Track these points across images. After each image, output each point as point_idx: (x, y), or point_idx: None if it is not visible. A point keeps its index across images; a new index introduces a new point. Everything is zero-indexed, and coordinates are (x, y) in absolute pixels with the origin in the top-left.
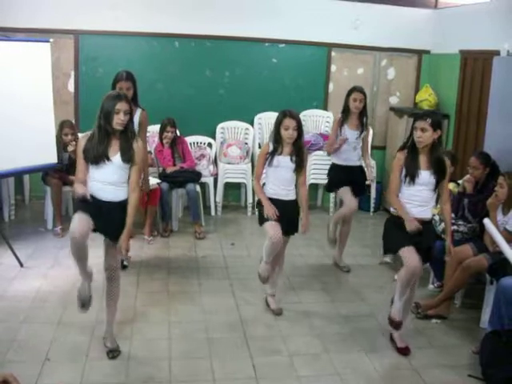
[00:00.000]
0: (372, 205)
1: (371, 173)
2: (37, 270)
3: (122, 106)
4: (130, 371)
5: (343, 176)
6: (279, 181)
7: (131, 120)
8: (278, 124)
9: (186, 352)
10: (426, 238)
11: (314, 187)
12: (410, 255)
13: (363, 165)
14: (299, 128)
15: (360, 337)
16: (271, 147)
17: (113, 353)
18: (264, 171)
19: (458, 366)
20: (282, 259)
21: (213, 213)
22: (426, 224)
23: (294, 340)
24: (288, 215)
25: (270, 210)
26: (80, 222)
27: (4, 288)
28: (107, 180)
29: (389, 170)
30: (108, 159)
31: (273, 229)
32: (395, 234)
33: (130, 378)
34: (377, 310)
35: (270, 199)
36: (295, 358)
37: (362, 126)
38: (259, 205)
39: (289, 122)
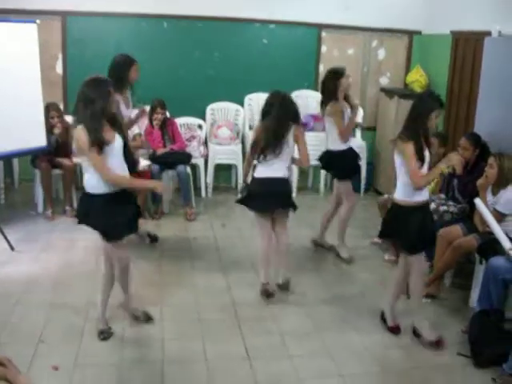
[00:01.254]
0: (362, 186)
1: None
2: (28, 254)
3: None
4: (123, 352)
5: (353, 162)
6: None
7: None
8: None
9: (179, 333)
10: (431, 220)
11: (304, 168)
12: (421, 260)
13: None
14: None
15: (350, 316)
16: None
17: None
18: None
19: (448, 344)
20: (285, 237)
21: (203, 194)
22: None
23: (285, 320)
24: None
25: None
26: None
27: None
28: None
29: (379, 151)
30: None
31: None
32: (415, 232)
33: (123, 359)
34: (367, 289)
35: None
36: (287, 337)
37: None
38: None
39: None
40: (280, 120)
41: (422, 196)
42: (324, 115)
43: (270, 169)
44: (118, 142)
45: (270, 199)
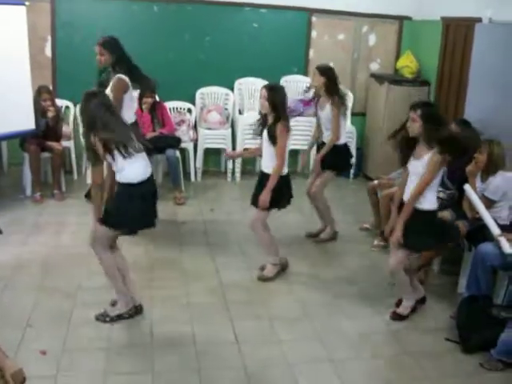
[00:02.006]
0: (352, 171)
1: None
2: (17, 237)
3: None
4: (112, 336)
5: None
6: (263, 153)
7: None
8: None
9: (167, 317)
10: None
11: (294, 153)
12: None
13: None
14: (272, 99)
15: (340, 301)
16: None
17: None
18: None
19: (436, 330)
20: (258, 233)
21: (193, 178)
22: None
23: (275, 305)
24: (261, 188)
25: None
26: None
27: None
28: None
29: (368, 136)
30: None
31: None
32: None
33: (112, 343)
34: (357, 275)
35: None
36: (275, 322)
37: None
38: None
39: (261, 91)
40: None
41: None
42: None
43: None
44: None
45: None
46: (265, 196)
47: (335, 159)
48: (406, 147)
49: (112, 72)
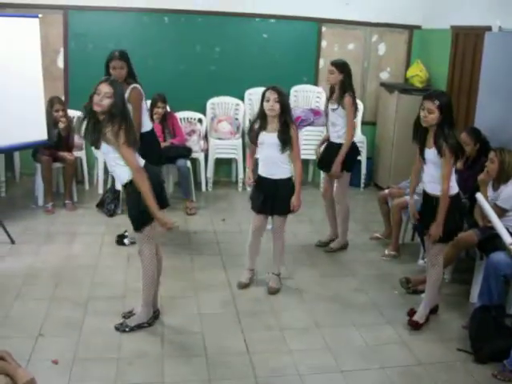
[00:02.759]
0: (362, 180)
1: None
2: (28, 247)
3: (102, 87)
4: (123, 345)
5: (328, 155)
6: (267, 159)
7: (117, 104)
8: (262, 98)
9: (179, 327)
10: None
11: (304, 163)
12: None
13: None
14: (282, 101)
15: (350, 311)
16: (256, 124)
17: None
18: None
19: (448, 340)
20: (281, 240)
21: (204, 189)
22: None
23: (285, 315)
24: (279, 195)
25: (246, 179)
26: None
27: None
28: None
29: (379, 145)
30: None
31: (254, 219)
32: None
33: (123, 352)
34: (367, 284)
35: (260, 177)
36: (286, 332)
37: (342, 100)
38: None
39: (269, 94)
40: None
41: None
42: (335, 105)
43: None
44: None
45: None
46: (298, 201)
47: (348, 159)
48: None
49: (124, 84)
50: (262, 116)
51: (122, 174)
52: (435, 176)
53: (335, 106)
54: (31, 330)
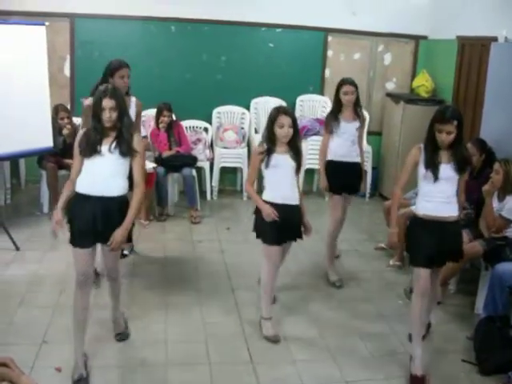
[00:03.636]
0: (368, 190)
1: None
2: (33, 254)
3: (106, 103)
4: (126, 354)
5: (339, 175)
6: (281, 183)
7: (123, 113)
8: (272, 121)
9: (182, 336)
10: (449, 241)
11: (310, 172)
12: (421, 276)
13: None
14: (295, 125)
15: (355, 321)
16: (265, 146)
17: (121, 336)
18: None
19: (453, 351)
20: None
21: (209, 197)
22: (451, 224)
23: (290, 324)
24: (294, 221)
25: (267, 211)
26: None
27: (0, 272)
28: (101, 173)
29: (384, 156)
30: (101, 150)
31: (274, 255)
32: (415, 244)
33: (126, 361)
34: (372, 294)
35: (272, 204)
36: (291, 342)
37: (359, 117)
38: (256, 212)
39: (284, 120)
40: None
41: None
42: (357, 123)
43: None
44: (111, 151)
45: None
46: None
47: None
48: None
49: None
50: (271, 140)
51: (122, 186)
52: (451, 195)
53: (358, 124)
54: (35, 337)
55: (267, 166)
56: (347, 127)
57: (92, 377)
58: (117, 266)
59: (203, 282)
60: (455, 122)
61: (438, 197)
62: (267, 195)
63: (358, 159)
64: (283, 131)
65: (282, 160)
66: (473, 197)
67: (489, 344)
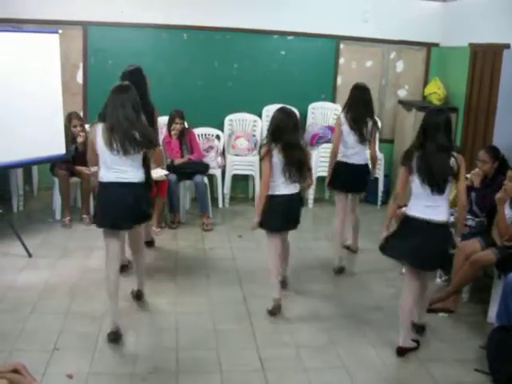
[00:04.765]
0: (380, 198)
1: (375, 167)
2: (45, 261)
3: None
4: (137, 361)
5: (345, 176)
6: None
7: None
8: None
9: (193, 343)
10: (434, 243)
11: (322, 180)
12: (408, 275)
13: (369, 163)
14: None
15: (367, 329)
16: (272, 145)
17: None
18: None
19: (465, 361)
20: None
21: (220, 205)
22: (439, 227)
23: (301, 332)
24: (296, 208)
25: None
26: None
27: (13, 278)
28: (130, 165)
29: (396, 163)
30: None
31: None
32: (397, 242)
33: (137, 368)
34: (384, 302)
35: (279, 196)
36: (302, 350)
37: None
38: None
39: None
40: None
41: None
42: (371, 127)
43: None
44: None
45: None
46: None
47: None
48: None
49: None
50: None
51: (140, 174)
52: (441, 199)
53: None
54: (47, 344)
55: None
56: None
57: None
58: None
59: (214, 289)
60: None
61: (428, 200)
62: (275, 189)
63: (364, 162)
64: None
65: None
66: (485, 204)
67: (502, 353)
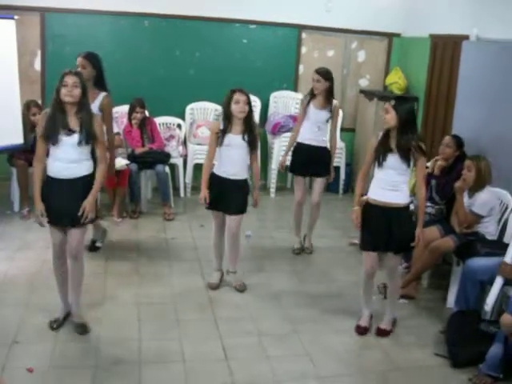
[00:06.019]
0: (341, 186)
1: (334, 156)
2: (4, 253)
3: (69, 78)
4: (99, 353)
5: (303, 157)
6: (231, 161)
7: (85, 96)
8: (228, 100)
9: (156, 333)
10: (398, 227)
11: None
12: (366, 258)
13: (328, 146)
14: (249, 104)
15: (329, 317)
16: (221, 125)
17: (82, 328)
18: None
19: (426, 345)
20: (237, 241)
21: (182, 194)
22: (400, 210)
23: (263, 321)
24: (236, 195)
25: (201, 195)
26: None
27: None
28: (69, 158)
29: (358, 152)
30: (67, 134)
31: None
32: (363, 230)
33: (99, 360)
34: (345, 290)
35: (220, 178)
36: (264, 338)
37: (330, 106)
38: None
39: (239, 96)
40: None
41: None
42: (323, 111)
43: None
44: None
45: None
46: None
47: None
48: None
49: (94, 87)
50: (227, 117)
51: (86, 166)
52: (399, 183)
53: (328, 114)
54: (6, 338)
55: (221, 144)
56: (316, 113)
57: (64, 377)
58: (82, 246)
59: (176, 279)
60: (392, 102)
61: (386, 183)
62: (216, 169)
63: (324, 144)
64: (239, 107)
65: (233, 140)
66: (445, 192)
67: (461, 338)
